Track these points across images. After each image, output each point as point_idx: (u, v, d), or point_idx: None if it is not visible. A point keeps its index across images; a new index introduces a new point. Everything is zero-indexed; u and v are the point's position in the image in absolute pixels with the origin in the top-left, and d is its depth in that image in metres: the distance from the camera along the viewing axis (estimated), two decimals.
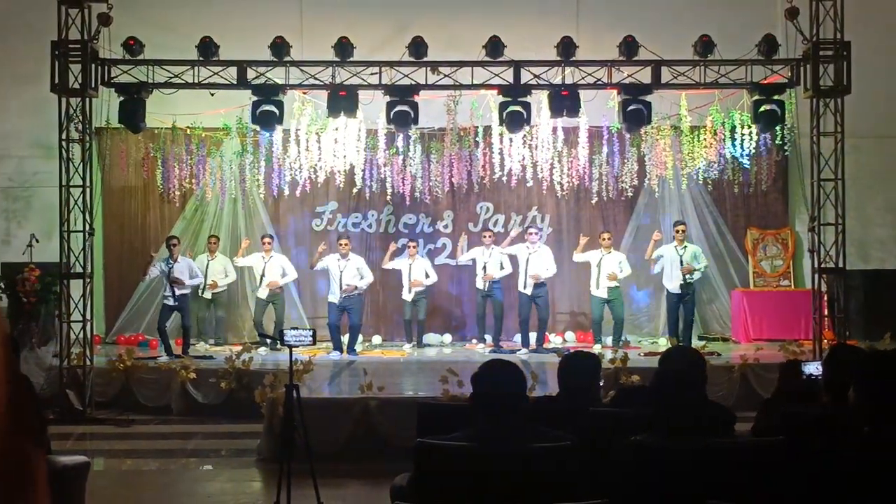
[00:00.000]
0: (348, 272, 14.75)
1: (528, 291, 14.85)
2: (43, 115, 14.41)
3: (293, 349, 7.81)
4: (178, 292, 14.25)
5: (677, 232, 14.74)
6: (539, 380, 10.66)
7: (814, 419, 4.68)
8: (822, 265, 12.74)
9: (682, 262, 14.52)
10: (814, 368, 6.49)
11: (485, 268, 15.12)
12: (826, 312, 13.17)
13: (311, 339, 7.74)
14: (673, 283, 14.69)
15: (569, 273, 16.05)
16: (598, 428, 4.95)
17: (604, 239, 15.11)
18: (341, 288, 14.64)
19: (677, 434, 4.28)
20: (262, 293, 15.28)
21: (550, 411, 5.35)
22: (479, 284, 15.27)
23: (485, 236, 15.36)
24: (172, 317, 14.44)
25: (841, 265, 12.67)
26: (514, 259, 15.13)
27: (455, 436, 4.26)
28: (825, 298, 13.16)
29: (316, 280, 16.01)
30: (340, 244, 14.88)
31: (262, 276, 15.23)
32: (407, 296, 15.47)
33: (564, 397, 5.71)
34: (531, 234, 15.09)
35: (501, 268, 15.25)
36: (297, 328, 7.94)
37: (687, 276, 14.46)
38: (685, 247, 14.66)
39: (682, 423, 4.31)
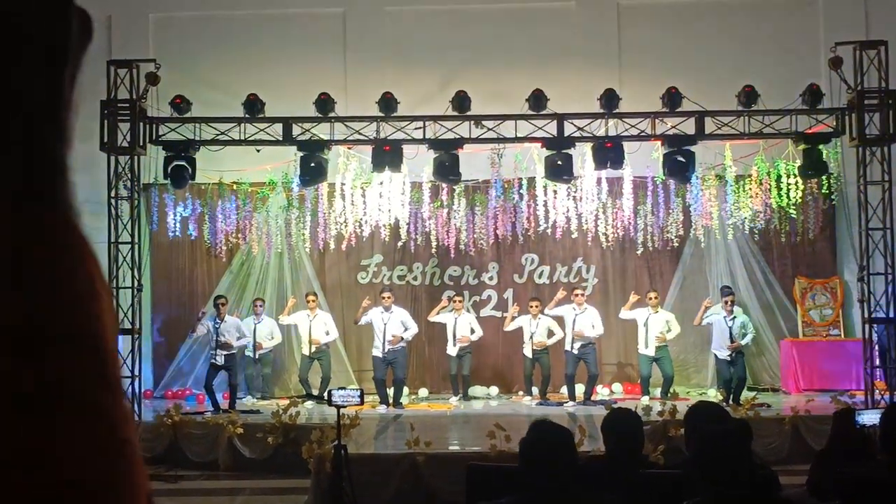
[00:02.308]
0: (392, 325, 14.73)
1: (575, 351, 14.76)
2: (93, 173, 14.59)
3: (341, 409, 7.82)
4: (225, 353, 14.33)
5: (726, 303, 14.52)
6: (587, 433, 10.57)
7: (869, 482, 4.60)
8: (873, 315, 12.61)
9: (731, 334, 14.31)
10: (867, 418, 6.38)
11: (532, 337, 15.02)
12: (878, 363, 12.99)
13: (358, 399, 7.75)
14: (721, 353, 14.51)
15: (616, 325, 15.92)
16: (649, 492, 4.89)
17: (651, 298, 14.98)
18: (385, 341, 14.66)
19: (729, 496, 4.21)
20: (307, 350, 15.30)
21: (600, 473, 5.30)
22: (527, 352, 15.12)
23: (531, 306, 15.14)
24: (219, 374, 14.49)
25: (892, 315, 12.52)
26: (560, 320, 15.04)
27: (504, 501, 4.22)
28: (876, 348, 13.00)
29: (361, 333, 15.99)
30: (383, 297, 14.89)
31: (309, 334, 15.20)
32: (451, 350, 15.39)
33: (611, 457, 5.67)
34: (577, 295, 14.99)
35: (550, 335, 15.11)
36: (344, 388, 7.96)
37: (732, 353, 14.30)
38: (734, 318, 14.47)
39: (729, 483, 4.22)
